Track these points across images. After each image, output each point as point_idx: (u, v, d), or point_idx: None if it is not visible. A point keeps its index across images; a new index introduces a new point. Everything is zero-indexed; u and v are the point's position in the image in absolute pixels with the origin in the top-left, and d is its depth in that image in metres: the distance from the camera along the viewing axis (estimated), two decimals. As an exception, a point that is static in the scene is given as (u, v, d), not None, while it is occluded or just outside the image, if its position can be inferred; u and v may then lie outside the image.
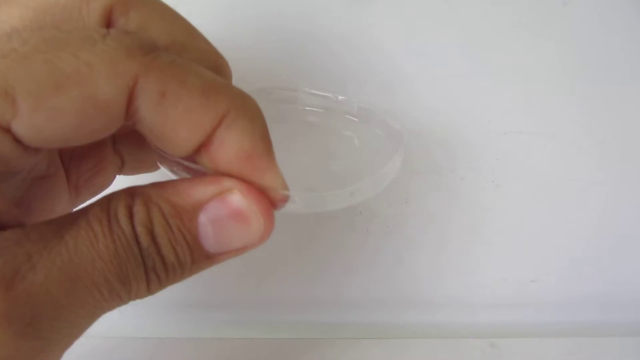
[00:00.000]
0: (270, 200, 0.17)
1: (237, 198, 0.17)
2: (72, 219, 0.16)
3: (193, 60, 0.17)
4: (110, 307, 0.16)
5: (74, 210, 0.17)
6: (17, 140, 0.14)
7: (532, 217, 0.32)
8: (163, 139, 0.16)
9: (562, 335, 0.32)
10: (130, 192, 0.16)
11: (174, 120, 0.15)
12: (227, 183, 0.17)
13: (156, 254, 0.16)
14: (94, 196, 0.23)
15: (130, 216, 0.16)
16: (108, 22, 0.17)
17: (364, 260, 0.33)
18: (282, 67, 0.30)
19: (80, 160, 0.22)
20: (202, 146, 0.16)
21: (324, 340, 0.31)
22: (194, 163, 0.18)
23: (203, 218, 0.16)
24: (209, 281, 0.33)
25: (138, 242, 0.16)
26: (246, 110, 0.16)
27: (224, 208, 0.17)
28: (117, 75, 0.14)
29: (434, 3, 0.28)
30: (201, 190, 0.17)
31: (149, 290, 0.17)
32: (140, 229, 0.16)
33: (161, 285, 0.17)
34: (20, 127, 0.14)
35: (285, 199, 0.18)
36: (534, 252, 0.33)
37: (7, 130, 0.14)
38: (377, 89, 0.30)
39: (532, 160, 0.31)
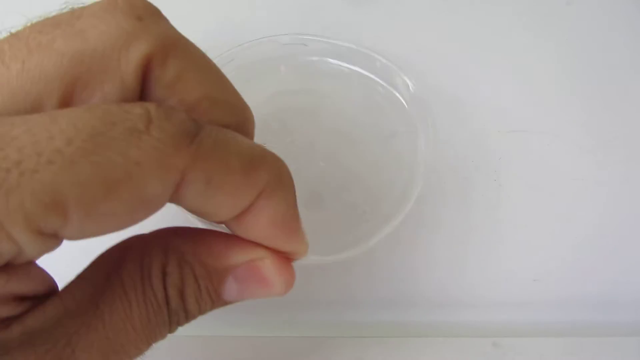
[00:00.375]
0: (292, 268, 0.19)
1: (267, 267, 0.18)
2: (106, 278, 0.16)
3: (223, 114, 0.18)
4: None
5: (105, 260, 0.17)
6: (60, 238, 0.14)
7: (535, 217, 0.32)
8: (202, 215, 0.16)
9: (565, 334, 0.32)
10: (165, 249, 0.17)
11: (218, 201, 0.15)
12: (260, 252, 0.18)
13: (182, 310, 0.17)
14: None
15: (164, 277, 0.16)
16: (145, 72, 0.16)
17: (366, 259, 0.33)
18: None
19: None
20: (235, 219, 0.17)
21: (324, 339, 0.31)
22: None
23: (230, 278, 0.17)
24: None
25: (168, 304, 0.16)
26: (282, 181, 0.17)
27: (252, 274, 0.18)
28: (166, 172, 0.14)
29: (436, 3, 0.28)
30: (235, 256, 0.17)
31: (169, 333, 0.18)
32: (171, 292, 0.16)
33: (178, 327, 0.18)
34: (68, 233, 0.13)
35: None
36: (536, 252, 0.33)
37: (54, 236, 0.13)
38: (378, 89, 0.30)
39: (535, 159, 0.31)
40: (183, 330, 0.33)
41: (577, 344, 0.31)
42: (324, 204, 0.30)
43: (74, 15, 0.16)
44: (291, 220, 0.17)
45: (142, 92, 0.16)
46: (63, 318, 0.15)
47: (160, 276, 0.16)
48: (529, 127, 0.30)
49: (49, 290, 0.16)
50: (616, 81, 0.30)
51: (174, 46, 0.16)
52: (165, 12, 0.17)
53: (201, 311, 0.18)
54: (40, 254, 0.14)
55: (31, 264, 0.15)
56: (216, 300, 0.18)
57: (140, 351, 0.16)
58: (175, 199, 0.15)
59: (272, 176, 0.16)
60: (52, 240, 0.13)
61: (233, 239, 0.18)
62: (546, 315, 0.34)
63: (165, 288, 0.16)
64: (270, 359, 0.30)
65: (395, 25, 0.29)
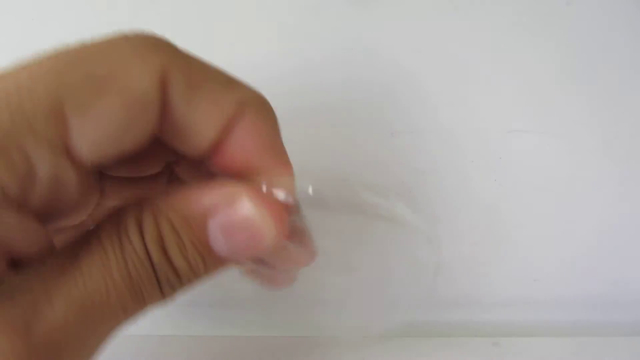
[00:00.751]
0: (280, 204, 0.17)
1: (246, 204, 0.16)
2: (87, 238, 0.16)
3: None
4: (126, 322, 0.16)
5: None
6: (75, 163, 0.15)
7: (535, 216, 0.32)
8: (187, 133, 0.16)
9: (565, 334, 0.32)
10: (140, 204, 0.17)
11: (200, 109, 0.16)
12: (236, 189, 0.17)
13: (168, 266, 0.16)
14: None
15: (141, 231, 0.16)
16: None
17: (367, 259, 0.33)
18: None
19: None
20: (220, 141, 0.17)
21: (325, 339, 0.31)
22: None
23: (212, 224, 0.16)
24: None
25: (150, 258, 0.16)
26: (262, 102, 0.17)
27: (232, 215, 0.16)
28: (149, 65, 0.15)
29: (437, 2, 0.28)
30: (209, 197, 0.17)
31: (164, 297, 0.17)
32: (151, 245, 0.16)
33: (175, 291, 0.17)
34: (75, 143, 0.14)
35: (294, 203, 0.18)
36: (536, 251, 0.33)
37: (67, 152, 0.14)
38: (379, 89, 0.30)
39: (535, 159, 0.31)
40: (185, 330, 0.33)
41: (577, 343, 0.31)
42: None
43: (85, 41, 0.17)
44: (275, 140, 0.17)
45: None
46: (43, 272, 0.15)
47: (137, 229, 0.16)
48: (528, 127, 0.30)
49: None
50: (616, 81, 0.30)
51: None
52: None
53: (191, 266, 0.17)
54: (54, 174, 0.14)
55: (35, 224, 0.15)
56: (205, 253, 0.17)
57: (126, 310, 0.16)
58: (164, 109, 0.15)
59: (252, 94, 0.17)
60: (64, 157, 0.14)
61: (207, 185, 0.17)
62: (546, 315, 0.34)
63: (144, 241, 0.16)
64: (273, 358, 0.30)
65: (396, 25, 0.29)
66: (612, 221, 0.32)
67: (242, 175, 0.17)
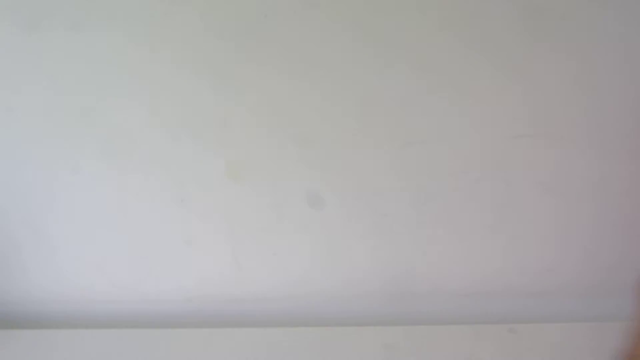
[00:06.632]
0: None
1: None
2: None
3: None
4: None
5: None
6: None
7: (545, 212, 0.34)
8: None
9: (576, 320, 0.34)
10: None
11: None
12: None
13: None
14: None
15: None
16: None
17: (389, 253, 0.36)
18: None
19: None
20: None
21: (350, 328, 0.34)
22: None
23: None
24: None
25: None
26: None
27: None
28: None
29: (441, 14, 0.30)
30: None
31: None
32: None
33: None
34: None
35: None
36: (549, 245, 0.35)
37: None
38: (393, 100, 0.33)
39: (541, 160, 0.32)
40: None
41: (589, 328, 0.33)
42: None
43: None
44: None
45: None
46: None
47: None
48: (533, 132, 0.32)
49: None
50: (612, 87, 0.31)
51: None
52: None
53: None
54: None
55: None
56: None
57: None
58: None
59: None
60: None
61: None
62: (560, 302, 0.36)
63: None
64: (298, 347, 0.32)
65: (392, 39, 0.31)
66: (619, 214, 0.34)
67: None
